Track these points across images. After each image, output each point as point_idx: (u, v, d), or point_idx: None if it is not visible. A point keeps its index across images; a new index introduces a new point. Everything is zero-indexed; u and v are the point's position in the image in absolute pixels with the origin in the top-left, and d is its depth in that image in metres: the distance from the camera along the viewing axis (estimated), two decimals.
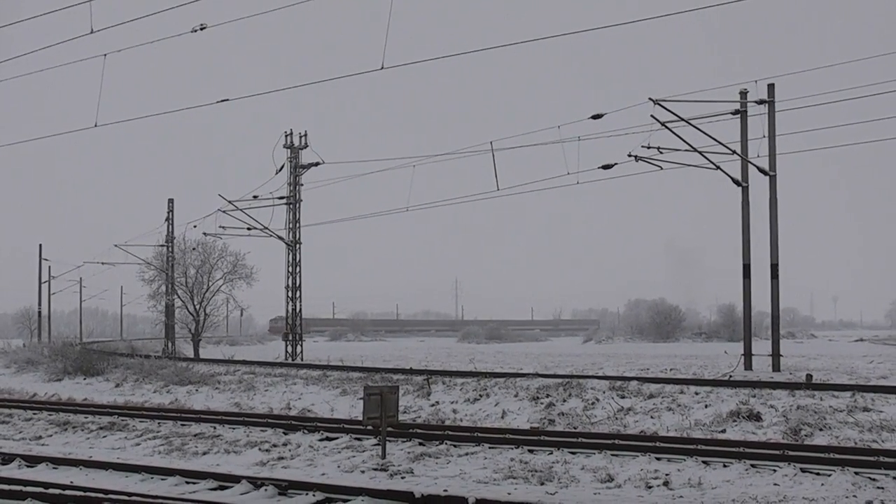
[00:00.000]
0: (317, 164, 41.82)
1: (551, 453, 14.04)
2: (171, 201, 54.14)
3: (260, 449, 15.44)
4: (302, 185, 42.56)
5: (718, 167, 27.13)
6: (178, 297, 52.98)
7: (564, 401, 19.83)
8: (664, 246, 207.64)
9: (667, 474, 12.01)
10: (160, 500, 9.96)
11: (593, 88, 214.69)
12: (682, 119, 25.63)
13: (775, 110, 26.77)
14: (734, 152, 27.04)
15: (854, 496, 10.35)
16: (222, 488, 11.56)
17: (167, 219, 53.64)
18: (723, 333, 78.79)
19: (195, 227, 45.57)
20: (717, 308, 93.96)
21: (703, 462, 12.75)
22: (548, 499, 10.03)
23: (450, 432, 16.12)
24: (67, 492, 10.73)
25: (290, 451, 15.21)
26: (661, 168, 27.63)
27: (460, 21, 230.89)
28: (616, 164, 27.26)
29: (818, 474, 11.67)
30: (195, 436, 17.37)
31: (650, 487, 11.35)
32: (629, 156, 26.71)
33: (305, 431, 17.11)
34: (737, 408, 17.18)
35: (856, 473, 11.44)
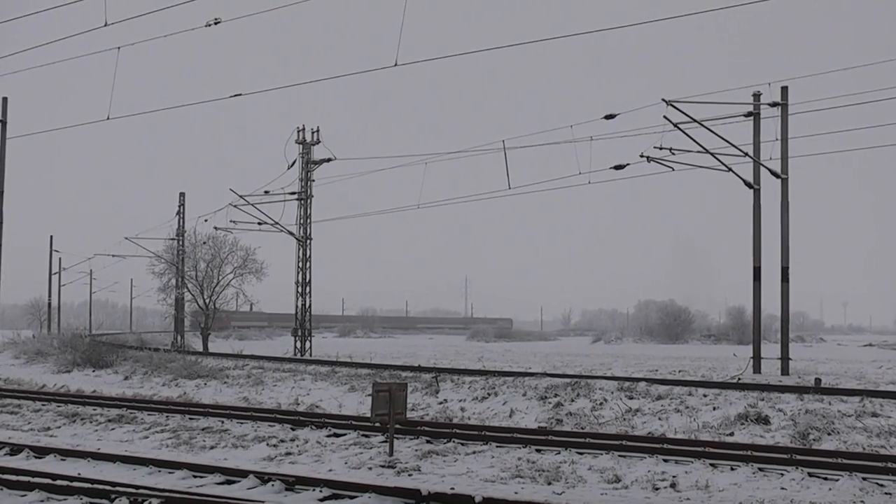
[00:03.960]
0: (328, 160, 41.90)
1: (559, 453, 14.04)
2: (182, 195, 54.28)
3: (268, 444, 15.48)
4: (313, 180, 42.64)
5: (730, 169, 27.05)
6: (188, 290, 53.16)
7: (572, 401, 19.81)
8: (673, 243, 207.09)
9: (674, 476, 11.99)
10: (167, 494, 9.99)
11: (606, 88, 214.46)
12: (695, 120, 25.56)
13: (788, 113, 26.68)
14: (746, 154, 26.95)
15: (861, 501, 10.31)
16: (229, 483, 11.58)
17: (178, 212, 53.78)
18: (732, 336, 78.68)
19: (206, 220, 45.76)
20: (727, 310, 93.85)
21: (711, 465, 12.72)
22: (555, 498, 10.02)
23: (457, 430, 16.13)
24: (75, 483, 10.77)
25: (297, 446, 15.24)
26: (673, 169, 27.57)
27: (474, 19, 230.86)
28: (628, 164, 27.23)
29: (826, 479, 11.63)
30: (203, 430, 17.41)
31: (657, 489, 11.33)
32: (641, 156, 26.66)
33: (313, 427, 17.14)
34: (745, 411, 17.13)
35: (863, 479, 11.39)
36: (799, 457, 12.78)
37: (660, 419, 17.68)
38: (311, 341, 44.04)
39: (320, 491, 10.73)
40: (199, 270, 52.58)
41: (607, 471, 12.51)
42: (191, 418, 19.15)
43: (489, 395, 21.56)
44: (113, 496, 9.99)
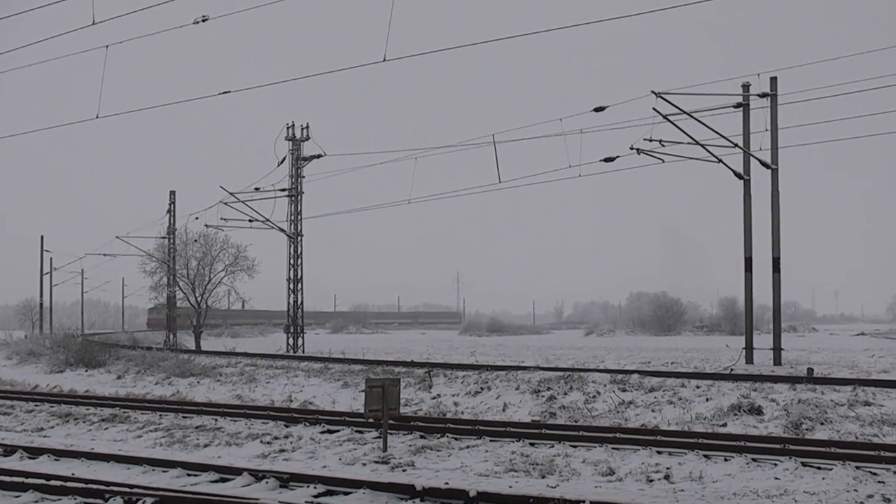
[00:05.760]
0: (318, 156, 41.82)
1: (552, 446, 14.06)
2: (172, 193, 54.18)
3: (261, 441, 15.47)
4: (303, 177, 42.55)
5: (720, 160, 27.06)
6: (180, 288, 53.05)
7: (566, 394, 19.85)
8: (664, 235, 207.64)
9: (668, 468, 12.02)
10: (162, 493, 9.98)
11: (595, 81, 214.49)
12: (685, 112, 25.56)
13: (777, 103, 26.70)
14: (736, 145, 26.96)
15: (855, 490, 10.35)
16: (224, 480, 11.58)
17: (169, 210, 53.67)
18: (724, 327, 78.83)
19: (197, 218, 45.60)
20: (719, 301, 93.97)
21: (705, 456, 12.76)
22: (549, 492, 10.03)
23: (451, 425, 16.14)
24: (69, 484, 10.76)
25: (291, 443, 15.23)
26: (663, 161, 27.57)
27: (462, 14, 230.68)
28: (618, 156, 27.20)
29: (819, 468, 11.68)
30: (196, 428, 17.40)
31: (651, 481, 11.36)
32: (631, 148, 26.65)
33: (307, 424, 17.14)
34: (738, 401, 17.18)
35: (857, 468, 11.45)
36: (792, 447, 12.82)
37: (653, 411, 17.73)
38: (303, 338, 44.01)
39: (314, 487, 10.73)
40: (191, 268, 52.48)
41: (601, 463, 12.54)
42: (184, 417, 19.12)
43: (482, 389, 21.58)
44: (107, 496, 9.98)
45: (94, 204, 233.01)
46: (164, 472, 12.33)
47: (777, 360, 26.39)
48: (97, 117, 21.60)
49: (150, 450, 14.97)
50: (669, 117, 25.44)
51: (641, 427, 16.07)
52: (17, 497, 10.48)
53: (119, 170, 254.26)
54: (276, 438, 15.74)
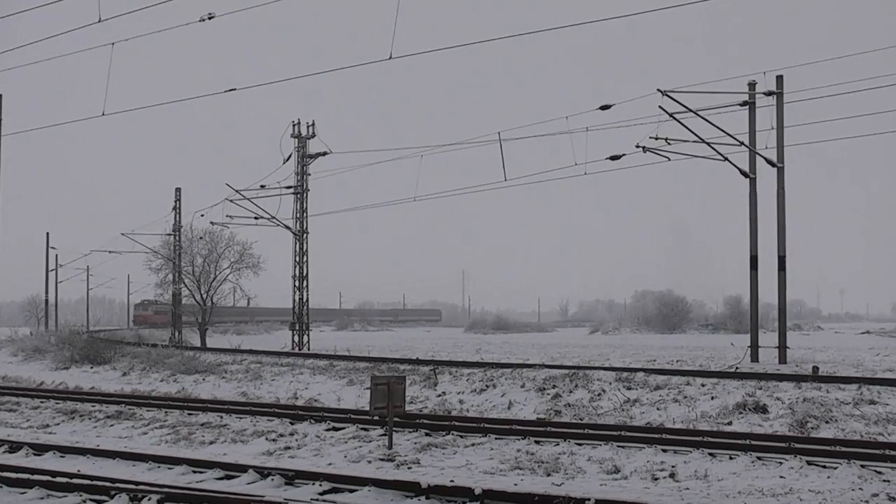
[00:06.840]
0: (324, 153, 41.82)
1: (557, 444, 14.06)
2: (178, 190, 54.24)
3: (267, 438, 15.48)
4: (309, 174, 42.57)
5: (726, 158, 27.03)
6: (186, 285, 53.10)
7: (571, 392, 19.83)
8: (670, 233, 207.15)
9: (673, 466, 12.01)
10: (167, 489, 9.99)
11: (602, 79, 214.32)
12: (691, 110, 25.54)
13: (783, 102, 26.66)
14: (742, 143, 26.94)
15: (860, 489, 10.33)
16: (229, 478, 11.59)
17: (174, 208, 53.71)
18: (729, 325, 78.52)
19: (202, 216, 45.68)
20: (724, 300, 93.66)
21: (710, 454, 12.74)
22: (554, 490, 10.02)
23: (456, 423, 16.15)
24: (75, 480, 10.78)
25: (296, 440, 15.25)
26: (669, 159, 27.53)
27: (468, 11, 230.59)
28: (624, 154, 27.18)
29: (824, 467, 11.66)
30: (202, 425, 17.42)
31: (656, 479, 11.35)
32: (637, 146, 26.62)
33: (312, 421, 17.15)
34: (743, 400, 17.16)
35: (862, 466, 11.41)
36: (797, 445, 12.81)
37: (658, 409, 17.71)
38: (308, 335, 44.04)
39: (320, 485, 10.73)
40: (196, 266, 52.53)
41: (606, 461, 12.53)
42: (189, 414, 19.15)
43: (487, 387, 21.58)
44: (113, 492, 9.99)
45: (100, 201, 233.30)
46: (169, 468, 12.35)
47: (782, 359, 26.36)
48: (103, 114, 21.65)
49: (155, 447, 15.00)
50: (675, 115, 25.41)
51: (647, 425, 16.06)
52: (22, 493, 10.50)
53: (125, 167, 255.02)
54: (281, 436, 15.75)
